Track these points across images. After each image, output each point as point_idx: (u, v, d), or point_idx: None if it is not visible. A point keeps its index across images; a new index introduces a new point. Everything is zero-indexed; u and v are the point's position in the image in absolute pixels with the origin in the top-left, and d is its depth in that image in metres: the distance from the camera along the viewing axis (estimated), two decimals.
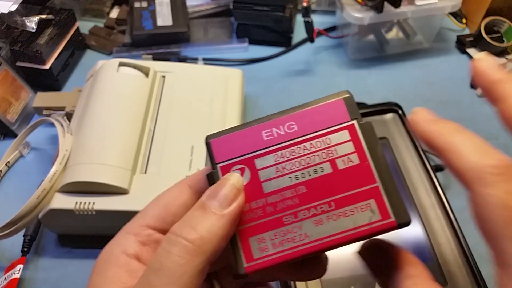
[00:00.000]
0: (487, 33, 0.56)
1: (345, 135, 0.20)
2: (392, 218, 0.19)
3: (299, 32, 0.59)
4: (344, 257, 0.35)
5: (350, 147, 0.20)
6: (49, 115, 0.45)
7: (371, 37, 0.60)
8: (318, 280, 0.33)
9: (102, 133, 0.40)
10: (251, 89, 0.54)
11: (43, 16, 0.52)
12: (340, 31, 0.61)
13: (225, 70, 0.50)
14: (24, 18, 0.51)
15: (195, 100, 0.45)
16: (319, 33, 0.58)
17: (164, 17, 0.58)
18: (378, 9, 0.51)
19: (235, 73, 0.49)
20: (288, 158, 0.20)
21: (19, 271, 0.38)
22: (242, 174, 0.20)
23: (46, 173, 0.37)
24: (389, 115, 0.44)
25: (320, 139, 0.20)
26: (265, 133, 0.21)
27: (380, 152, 0.20)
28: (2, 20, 0.50)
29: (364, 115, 0.44)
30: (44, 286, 0.40)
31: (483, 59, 0.22)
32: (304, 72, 0.58)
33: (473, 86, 0.55)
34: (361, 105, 0.49)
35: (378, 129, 0.42)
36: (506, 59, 0.57)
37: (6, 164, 0.47)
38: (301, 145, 0.20)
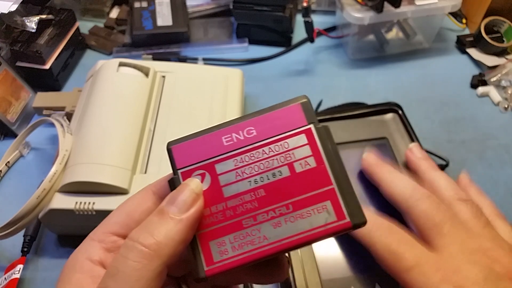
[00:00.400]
0: (487, 33, 0.56)
1: (302, 139, 0.21)
2: (347, 219, 0.20)
3: (299, 32, 0.59)
4: (344, 257, 0.35)
5: (307, 150, 0.21)
6: (49, 115, 0.45)
7: (371, 37, 0.60)
8: (318, 280, 0.33)
9: (102, 133, 0.40)
10: (251, 89, 0.54)
11: (43, 16, 0.52)
12: (340, 31, 0.61)
13: (225, 70, 0.50)
14: (24, 18, 0.51)
15: (195, 100, 0.45)
16: (319, 33, 0.58)
17: (164, 17, 0.58)
18: (378, 9, 0.51)
19: (235, 73, 0.49)
20: (248, 163, 0.21)
21: (19, 271, 0.38)
22: (202, 179, 0.21)
23: (46, 173, 0.37)
24: (389, 115, 0.44)
25: (278, 144, 0.21)
26: (225, 138, 0.21)
27: (336, 155, 0.21)
28: (2, 20, 0.50)
29: (364, 115, 0.44)
30: (44, 286, 0.40)
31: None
32: (304, 72, 0.58)
33: (473, 86, 0.55)
34: (361, 105, 0.49)
35: (378, 129, 0.43)
36: (506, 59, 0.57)
37: (6, 164, 0.47)
38: (260, 150, 0.21)
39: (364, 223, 0.20)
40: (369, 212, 0.33)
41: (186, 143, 0.22)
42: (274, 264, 0.22)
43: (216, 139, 0.21)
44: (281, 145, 0.21)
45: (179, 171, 0.21)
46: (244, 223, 0.20)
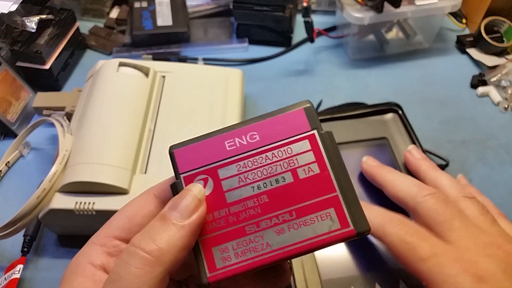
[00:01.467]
0: (487, 33, 0.56)
1: (305, 144, 0.21)
2: (351, 227, 0.20)
3: (299, 32, 0.59)
4: (344, 257, 0.35)
5: (310, 156, 0.21)
6: (49, 115, 0.45)
7: (371, 37, 0.60)
8: (318, 279, 0.33)
9: (102, 133, 0.40)
10: (251, 89, 0.54)
11: (43, 16, 0.52)
12: (340, 31, 0.61)
13: (225, 70, 0.50)
14: (24, 18, 0.51)
15: (195, 100, 0.45)
16: (319, 33, 0.58)
17: (164, 17, 0.58)
18: (378, 9, 0.51)
19: (235, 73, 0.49)
20: (251, 168, 0.21)
21: (19, 271, 0.38)
22: (205, 184, 0.21)
23: (46, 173, 0.37)
24: (389, 115, 0.44)
25: (281, 149, 0.21)
26: (228, 143, 0.21)
27: (340, 161, 0.20)
28: (2, 20, 0.50)
29: (364, 115, 0.44)
30: (44, 286, 0.40)
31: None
32: (304, 72, 0.58)
33: (473, 86, 0.55)
34: (361, 105, 0.49)
35: (378, 129, 0.43)
36: (506, 59, 0.57)
37: (6, 164, 0.47)
38: (263, 155, 0.21)
39: (368, 231, 0.20)
40: (380, 207, 0.32)
41: (189, 147, 0.21)
42: (276, 270, 0.22)
43: (219, 144, 0.21)
44: (284, 150, 0.21)
45: (182, 176, 0.21)
46: (247, 230, 0.20)
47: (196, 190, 0.20)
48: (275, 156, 0.21)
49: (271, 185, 0.20)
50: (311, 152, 0.21)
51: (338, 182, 0.20)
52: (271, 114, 0.21)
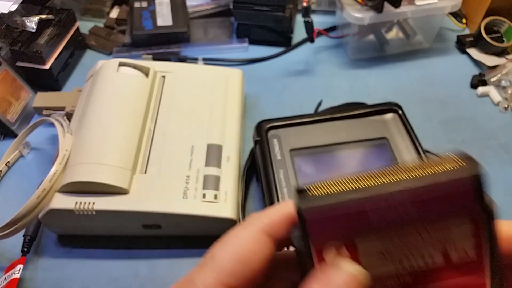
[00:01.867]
0: (487, 33, 0.56)
1: (466, 224, 0.17)
2: None
3: (299, 32, 0.59)
4: None
5: (469, 239, 0.17)
6: (49, 115, 0.45)
7: (371, 37, 0.60)
8: None
9: (102, 133, 0.40)
10: (251, 89, 0.54)
11: (43, 16, 0.52)
12: (340, 31, 0.61)
13: (225, 70, 0.50)
14: (24, 18, 0.51)
15: (195, 100, 0.45)
16: (319, 33, 0.58)
17: (164, 17, 0.58)
18: (378, 9, 0.51)
19: (235, 73, 0.49)
20: (396, 243, 0.17)
21: (19, 271, 0.38)
22: (338, 253, 0.17)
23: (46, 173, 0.37)
24: (389, 115, 0.44)
25: (435, 225, 0.17)
26: (372, 209, 0.17)
27: (497, 248, 0.17)
28: (2, 20, 0.50)
29: (364, 115, 0.44)
30: (44, 286, 0.40)
31: None
32: (304, 72, 0.58)
33: (473, 86, 0.55)
34: (361, 105, 0.49)
35: (378, 129, 0.43)
36: (506, 59, 0.57)
37: (6, 164, 0.47)
38: (412, 229, 0.17)
39: None
40: None
41: (324, 209, 0.17)
42: None
43: (361, 209, 0.17)
44: (439, 227, 0.17)
45: (312, 242, 0.17)
46: None
47: (358, 273, 0.17)
48: (427, 232, 0.17)
49: (417, 264, 0.17)
50: (472, 233, 0.17)
51: (491, 273, 0.17)
52: (426, 171, 0.17)
